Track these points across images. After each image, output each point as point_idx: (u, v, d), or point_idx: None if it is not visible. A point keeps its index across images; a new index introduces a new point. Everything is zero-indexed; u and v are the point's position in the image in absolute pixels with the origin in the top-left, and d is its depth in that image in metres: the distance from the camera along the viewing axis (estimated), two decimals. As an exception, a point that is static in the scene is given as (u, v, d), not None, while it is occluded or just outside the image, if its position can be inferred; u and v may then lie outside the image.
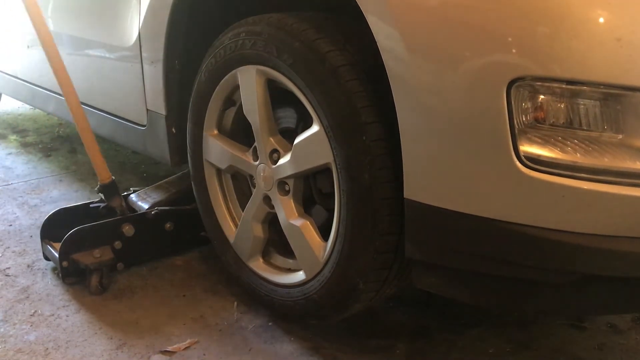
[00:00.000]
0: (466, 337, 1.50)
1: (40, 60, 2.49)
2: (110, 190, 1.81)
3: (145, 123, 1.87)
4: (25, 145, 3.10)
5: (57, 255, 1.70)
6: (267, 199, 1.48)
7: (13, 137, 3.27)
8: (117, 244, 1.75)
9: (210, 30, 1.60)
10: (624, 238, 1.00)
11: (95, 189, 1.82)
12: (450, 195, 1.08)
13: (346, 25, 1.28)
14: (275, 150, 1.42)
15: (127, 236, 1.76)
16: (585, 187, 0.97)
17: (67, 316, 1.58)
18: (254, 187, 1.51)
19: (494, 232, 1.05)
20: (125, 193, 1.91)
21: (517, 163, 0.99)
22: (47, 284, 1.73)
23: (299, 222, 1.39)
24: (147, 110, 1.84)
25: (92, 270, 1.67)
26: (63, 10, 2.24)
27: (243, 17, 1.44)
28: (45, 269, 1.81)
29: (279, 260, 1.56)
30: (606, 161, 0.97)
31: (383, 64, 1.11)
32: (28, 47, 2.57)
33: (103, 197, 1.83)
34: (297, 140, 1.34)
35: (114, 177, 1.82)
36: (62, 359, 1.42)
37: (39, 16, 1.66)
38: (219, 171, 1.63)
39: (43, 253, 1.82)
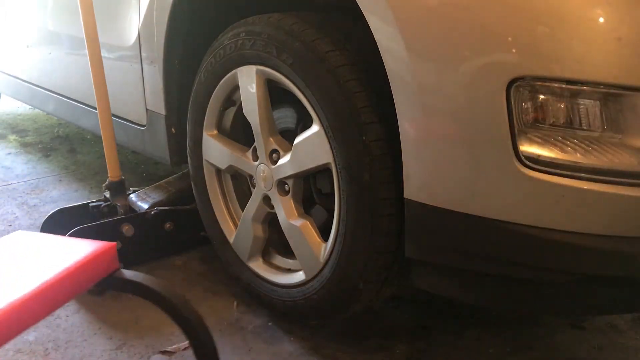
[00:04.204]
0: (466, 337, 1.50)
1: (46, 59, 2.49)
2: (118, 188, 1.81)
3: (145, 123, 1.87)
4: (24, 145, 3.10)
5: (56, 255, 1.69)
6: (267, 199, 1.48)
7: (13, 137, 3.27)
8: (117, 244, 1.74)
9: (210, 30, 1.60)
10: (624, 238, 1.00)
11: (104, 185, 1.82)
12: (450, 195, 1.08)
13: (346, 25, 1.28)
14: (275, 151, 1.42)
15: (126, 236, 1.76)
16: (585, 187, 0.97)
17: (67, 316, 1.58)
18: (254, 187, 1.51)
19: (494, 232, 1.05)
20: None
21: (517, 163, 0.99)
22: (46, 284, 1.73)
23: (298, 222, 1.39)
24: (147, 110, 1.84)
25: (92, 271, 1.67)
26: (62, 9, 2.24)
27: (243, 17, 1.44)
28: (45, 269, 1.81)
29: (279, 260, 1.56)
30: (606, 161, 0.97)
31: (383, 64, 1.11)
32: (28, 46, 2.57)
33: (108, 194, 1.83)
34: (297, 140, 1.34)
35: (124, 177, 1.82)
36: (62, 359, 1.42)
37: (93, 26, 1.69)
38: (218, 171, 1.63)
39: (43, 253, 1.82)
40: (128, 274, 0.99)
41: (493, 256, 1.08)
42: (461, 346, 1.46)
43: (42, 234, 1.04)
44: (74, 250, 0.93)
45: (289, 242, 1.43)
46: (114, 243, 0.96)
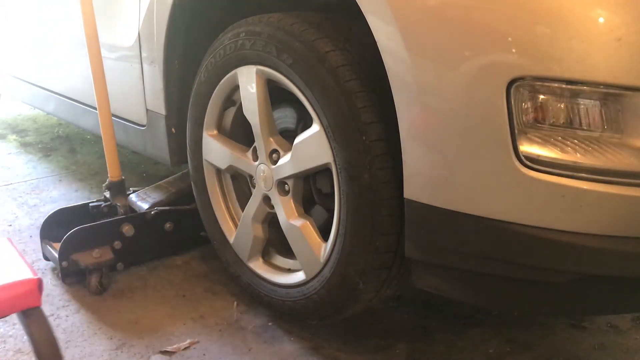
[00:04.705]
0: (466, 337, 1.50)
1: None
2: (118, 188, 1.81)
3: (145, 123, 1.87)
4: (25, 145, 3.10)
5: (56, 255, 1.70)
6: (267, 199, 1.48)
7: (13, 137, 3.27)
8: (117, 244, 1.75)
9: (210, 30, 1.60)
10: (624, 238, 1.00)
11: (104, 185, 1.83)
12: (450, 195, 1.08)
13: (346, 25, 1.28)
14: (275, 151, 1.42)
15: (127, 236, 1.76)
16: (585, 187, 0.97)
17: (67, 316, 1.58)
18: (254, 187, 1.51)
19: (494, 232, 1.05)
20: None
21: (517, 163, 0.99)
22: (46, 284, 1.73)
23: (298, 222, 1.39)
24: (147, 110, 1.84)
25: (92, 270, 1.67)
26: (62, 10, 2.24)
27: (243, 17, 1.44)
28: (45, 269, 1.81)
29: (279, 260, 1.56)
30: (606, 161, 0.97)
31: (383, 64, 1.11)
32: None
33: (108, 195, 1.83)
34: (297, 140, 1.34)
35: (124, 177, 1.82)
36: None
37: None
38: (218, 171, 1.63)
39: (43, 253, 1.82)
40: (39, 318, 0.94)
41: (493, 256, 1.08)
42: (461, 346, 1.46)
43: (13, 248, 1.03)
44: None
45: (289, 242, 1.43)
46: (35, 279, 0.93)
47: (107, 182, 1.82)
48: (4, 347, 1.46)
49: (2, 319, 1.56)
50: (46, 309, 1.61)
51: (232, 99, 1.54)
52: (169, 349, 1.44)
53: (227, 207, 1.64)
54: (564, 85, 0.96)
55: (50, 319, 1.56)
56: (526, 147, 0.99)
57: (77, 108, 2.27)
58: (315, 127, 1.27)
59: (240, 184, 1.64)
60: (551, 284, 1.08)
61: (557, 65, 0.94)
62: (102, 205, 1.84)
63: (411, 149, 1.10)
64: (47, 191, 2.45)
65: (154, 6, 1.67)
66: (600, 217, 0.99)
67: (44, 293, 1.68)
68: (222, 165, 1.58)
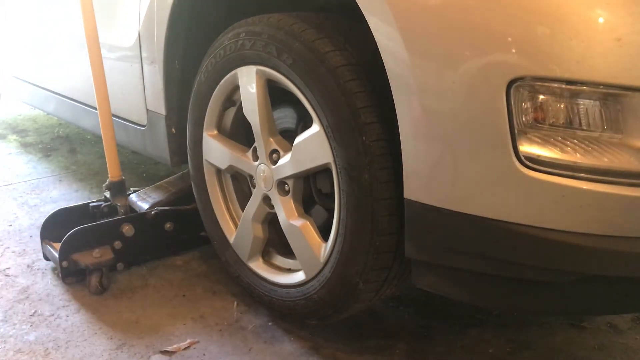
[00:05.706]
0: (466, 337, 1.50)
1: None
2: (118, 188, 1.81)
3: (145, 123, 1.87)
4: (25, 145, 3.11)
5: (57, 255, 1.70)
6: (267, 199, 1.48)
7: (13, 137, 3.27)
8: (117, 244, 1.75)
9: (210, 30, 1.60)
10: (624, 238, 1.00)
11: (104, 185, 1.83)
12: (450, 195, 1.08)
13: (346, 25, 1.28)
14: (275, 151, 1.42)
15: (127, 236, 1.76)
16: (585, 187, 0.97)
17: (67, 316, 1.58)
18: (254, 187, 1.51)
19: (494, 232, 1.05)
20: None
21: (517, 163, 0.99)
22: (47, 284, 1.73)
23: (298, 222, 1.39)
24: (147, 110, 1.84)
25: (92, 270, 1.67)
26: (63, 10, 2.24)
27: (243, 17, 1.44)
28: (45, 269, 1.82)
29: (279, 260, 1.56)
30: (606, 161, 0.97)
31: (383, 64, 1.11)
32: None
33: (109, 195, 1.83)
34: (297, 140, 1.34)
35: (124, 177, 1.82)
36: (62, 359, 1.42)
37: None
38: (218, 171, 1.63)
39: (43, 253, 1.83)
40: None
41: (493, 256, 1.08)
42: (461, 346, 1.46)
43: None
44: None
45: (289, 242, 1.43)
46: None
47: (107, 182, 1.82)
48: (4, 347, 1.46)
49: (2, 319, 1.56)
50: (46, 309, 1.61)
51: (232, 99, 1.54)
52: (169, 349, 1.44)
53: (227, 207, 1.64)
54: (563, 86, 0.96)
55: (51, 319, 1.57)
56: (526, 147, 0.99)
57: (77, 108, 2.27)
58: (315, 127, 1.27)
59: (241, 184, 1.64)
60: (551, 284, 1.08)
61: (557, 65, 0.94)
62: (102, 205, 1.84)
63: (411, 149, 1.10)
64: (47, 191, 2.45)
65: (154, 6, 1.67)
66: (600, 217, 0.99)
67: (45, 292, 1.68)
68: (222, 165, 1.58)
